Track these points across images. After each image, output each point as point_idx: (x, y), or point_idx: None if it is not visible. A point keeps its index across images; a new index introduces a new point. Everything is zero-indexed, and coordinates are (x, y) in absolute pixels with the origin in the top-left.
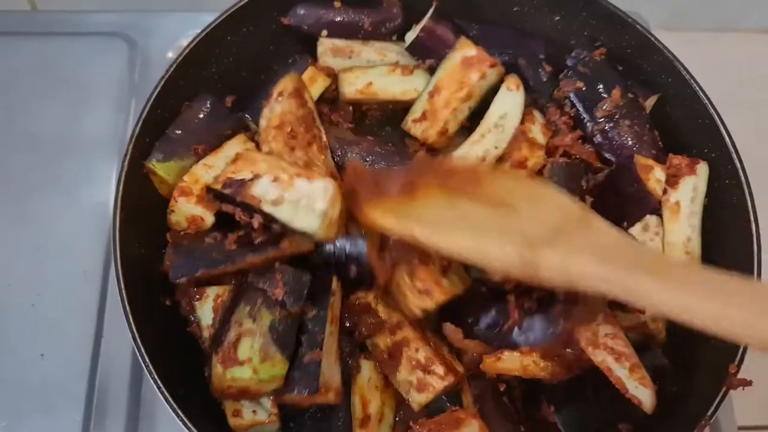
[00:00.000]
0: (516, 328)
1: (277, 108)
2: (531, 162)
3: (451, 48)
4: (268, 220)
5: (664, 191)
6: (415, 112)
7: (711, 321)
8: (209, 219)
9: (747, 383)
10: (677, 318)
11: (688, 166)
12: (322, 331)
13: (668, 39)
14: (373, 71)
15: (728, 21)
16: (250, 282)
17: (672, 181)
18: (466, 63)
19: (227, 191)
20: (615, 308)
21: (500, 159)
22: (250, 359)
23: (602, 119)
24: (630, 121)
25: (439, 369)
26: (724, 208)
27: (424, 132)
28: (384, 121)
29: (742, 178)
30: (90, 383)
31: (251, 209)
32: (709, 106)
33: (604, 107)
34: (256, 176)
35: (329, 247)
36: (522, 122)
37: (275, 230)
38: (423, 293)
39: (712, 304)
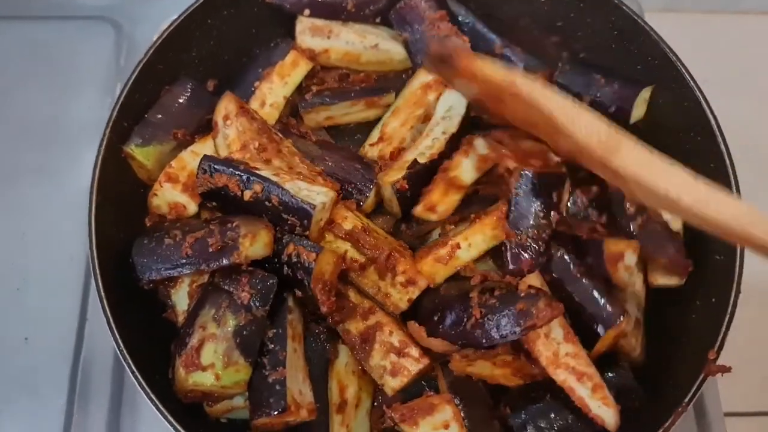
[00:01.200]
0: (478, 328)
1: (231, 132)
2: (440, 208)
3: (425, 21)
4: (262, 193)
5: None
6: (372, 137)
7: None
8: (192, 208)
9: (726, 369)
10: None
11: None
12: (284, 349)
13: (664, 20)
14: (335, 108)
15: (726, 2)
16: (215, 282)
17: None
18: (424, 87)
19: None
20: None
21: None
22: (213, 364)
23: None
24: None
25: (414, 351)
26: None
27: (381, 151)
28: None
29: (727, 162)
30: (74, 367)
31: (251, 177)
32: (696, 89)
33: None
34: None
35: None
36: (451, 156)
37: (229, 240)
38: (407, 284)
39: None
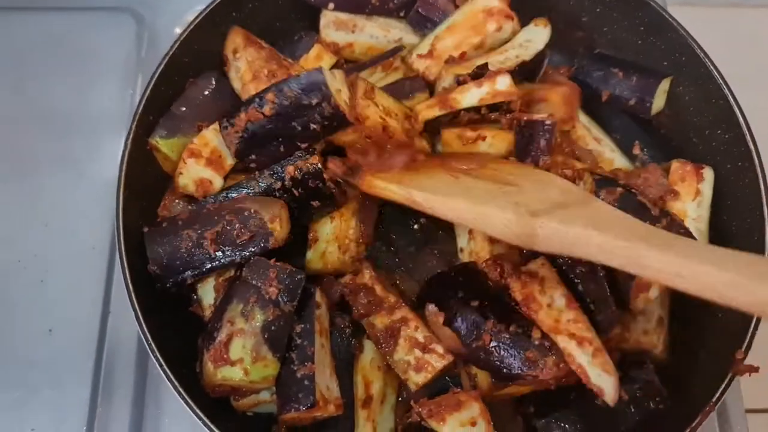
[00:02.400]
0: (482, 351)
1: (241, 64)
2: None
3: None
4: (277, 98)
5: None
6: (422, 47)
7: (705, 286)
8: (218, 182)
9: (754, 369)
10: (674, 284)
11: (694, 172)
12: (312, 344)
13: (685, 14)
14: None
15: None
16: (243, 277)
17: (678, 186)
18: (486, 12)
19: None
20: None
21: None
22: (241, 359)
23: None
24: None
25: (439, 348)
26: (737, 190)
27: (428, 68)
28: None
29: (756, 160)
30: (97, 359)
31: (258, 95)
32: (724, 86)
33: None
34: None
35: None
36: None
37: (256, 227)
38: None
39: (706, 268)
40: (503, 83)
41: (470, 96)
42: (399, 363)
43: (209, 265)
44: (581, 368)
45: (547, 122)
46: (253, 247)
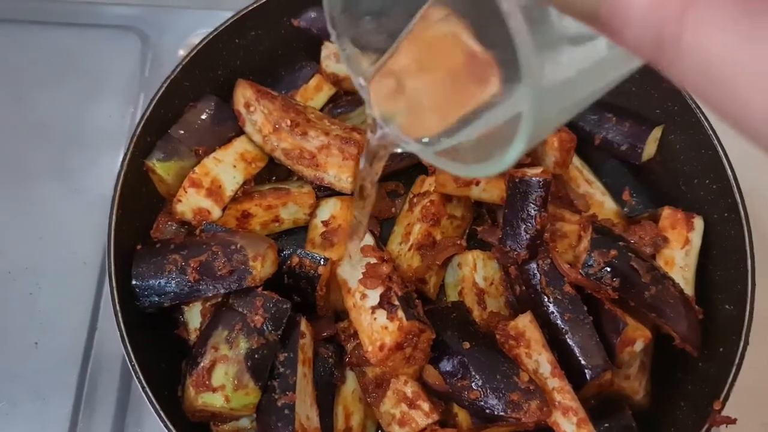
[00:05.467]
0: (466, 390)
1: (258, 118)
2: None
3: None
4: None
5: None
6: None
7: None
8: (216, 212)
9: (731, 421)
10: None
11: (685, 220)
12: (294, 373)
13: None
14: (354, 115)
15: None
16: (229, 303)
17: (668, 233)
18: None
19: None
20: None
21: None
22: (223, 386)
23: None
24: None
25: (425, 405)
26: (723, 240)
27: None
28: None
29: (742, 212)
30: (81, 374)
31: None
32: (713, 136)
33: None
34: None
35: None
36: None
37: (238, 263)
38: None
39: None
40: None
41: None
42: (384, 414)
43: (186, 292)
44: None
45: (542, 179)
46: (230, 283)
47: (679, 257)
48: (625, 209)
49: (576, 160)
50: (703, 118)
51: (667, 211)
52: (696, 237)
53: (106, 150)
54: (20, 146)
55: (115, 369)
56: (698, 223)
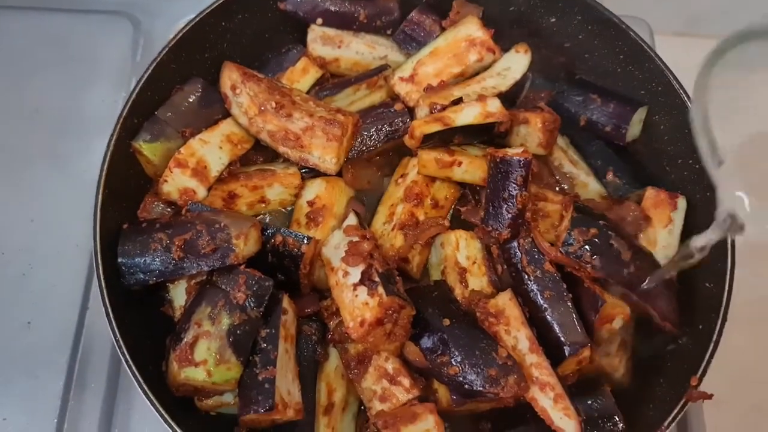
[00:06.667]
0: (446, 366)
1: (243, 100)
2: (416, 132)
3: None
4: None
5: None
6: (405, 70)
7: None
8: (201, 192)
9: (707, 396)
10: None
11: (668, 200)
12: (275, 348)
13: (672, 44)
14: (340, 98)
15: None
16: (213, 281)
17: (651, 213)
18: (469, 41)
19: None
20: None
21: None
22: (205, 361)
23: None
24: None
25: (406, 381)
26: (704, 220)
27: (408, 94)
28: None
29: None
30: (72, 353)
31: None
32: None
33: None
34: None
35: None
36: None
37: (222, 241)
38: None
39: None
40: (494, 105)
41: (464, 115)
42: (366, 390)
43: (171, 270)
44: (544, 411)
45: (523, 159)
46: (214, 261)
47: (662, 236)
48: (610, 189)
49: (561, 141)
50: (686, 99)
51: (650, 192)
52: (679, 216)
53: (98, 134)
54: (13, 131)
55: (106, 348)
56: (681, 202)
